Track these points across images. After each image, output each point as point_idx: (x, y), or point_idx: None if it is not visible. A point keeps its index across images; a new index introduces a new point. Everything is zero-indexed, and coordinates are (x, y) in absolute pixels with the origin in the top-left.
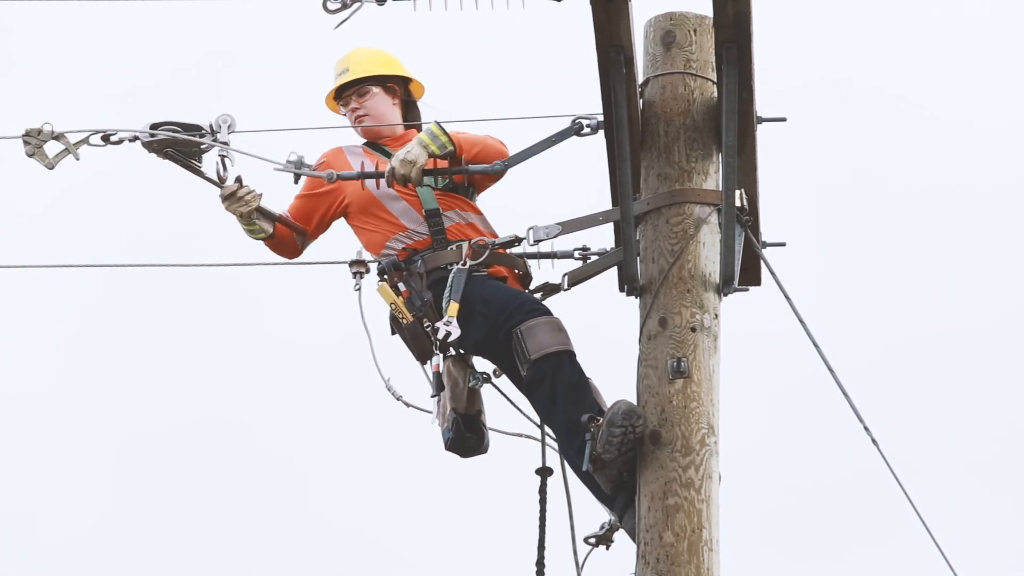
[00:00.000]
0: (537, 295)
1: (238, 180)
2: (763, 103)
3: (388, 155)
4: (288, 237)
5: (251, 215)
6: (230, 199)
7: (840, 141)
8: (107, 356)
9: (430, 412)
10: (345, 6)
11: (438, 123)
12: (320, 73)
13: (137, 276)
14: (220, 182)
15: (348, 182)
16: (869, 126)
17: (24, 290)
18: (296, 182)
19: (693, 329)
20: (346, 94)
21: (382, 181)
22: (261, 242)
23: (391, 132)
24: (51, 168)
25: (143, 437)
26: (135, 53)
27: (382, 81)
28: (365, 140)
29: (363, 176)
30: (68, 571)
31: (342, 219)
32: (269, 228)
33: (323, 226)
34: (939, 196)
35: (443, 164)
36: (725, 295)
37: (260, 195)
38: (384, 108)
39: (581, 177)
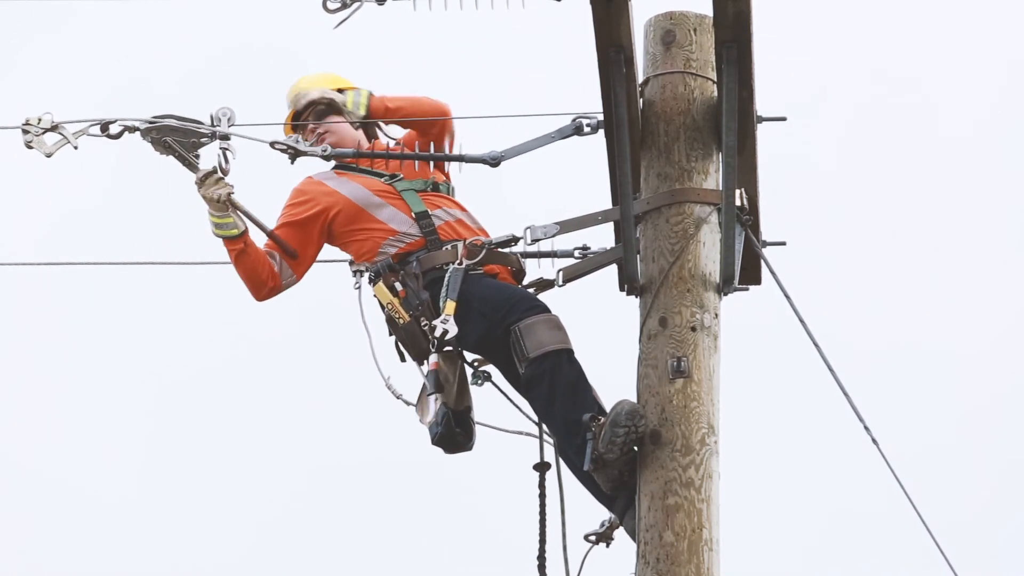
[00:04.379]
0: (530, 290)
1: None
2: (763, 102)
3: (359, 170)
4: (262, 261)
5: (225, 204)
6: (205, 181)
7: (840, 141)
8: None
9: (413, 404)
10: (345, 6)
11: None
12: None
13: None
14: (223, 176)
15: (329, 198)
16: (872, 127)
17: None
18: (293, 163)
19: (693, 329)
20: (303, 118)
21: (366, 193)
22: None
23: (356, 147)
24: (49, 156)
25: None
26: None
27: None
28: (334, 164)
29: (359, 155)
30: None
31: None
32: (242, 225)
33: (313, 255)
34: (940, 195)
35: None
36: (725, 294)
37: (234, 188)
38: (342, 124)
39: (581, 177)
